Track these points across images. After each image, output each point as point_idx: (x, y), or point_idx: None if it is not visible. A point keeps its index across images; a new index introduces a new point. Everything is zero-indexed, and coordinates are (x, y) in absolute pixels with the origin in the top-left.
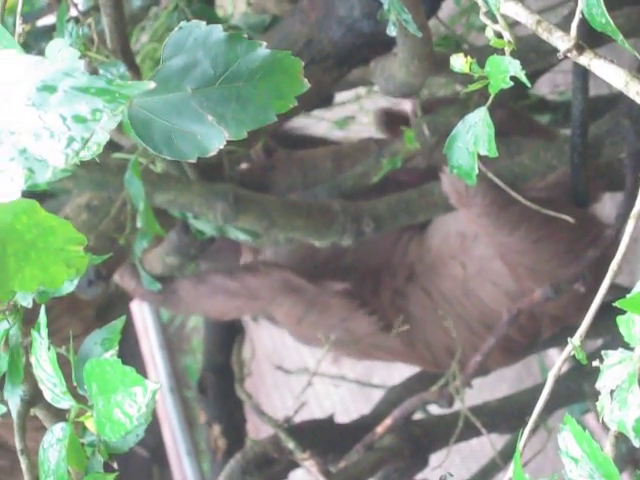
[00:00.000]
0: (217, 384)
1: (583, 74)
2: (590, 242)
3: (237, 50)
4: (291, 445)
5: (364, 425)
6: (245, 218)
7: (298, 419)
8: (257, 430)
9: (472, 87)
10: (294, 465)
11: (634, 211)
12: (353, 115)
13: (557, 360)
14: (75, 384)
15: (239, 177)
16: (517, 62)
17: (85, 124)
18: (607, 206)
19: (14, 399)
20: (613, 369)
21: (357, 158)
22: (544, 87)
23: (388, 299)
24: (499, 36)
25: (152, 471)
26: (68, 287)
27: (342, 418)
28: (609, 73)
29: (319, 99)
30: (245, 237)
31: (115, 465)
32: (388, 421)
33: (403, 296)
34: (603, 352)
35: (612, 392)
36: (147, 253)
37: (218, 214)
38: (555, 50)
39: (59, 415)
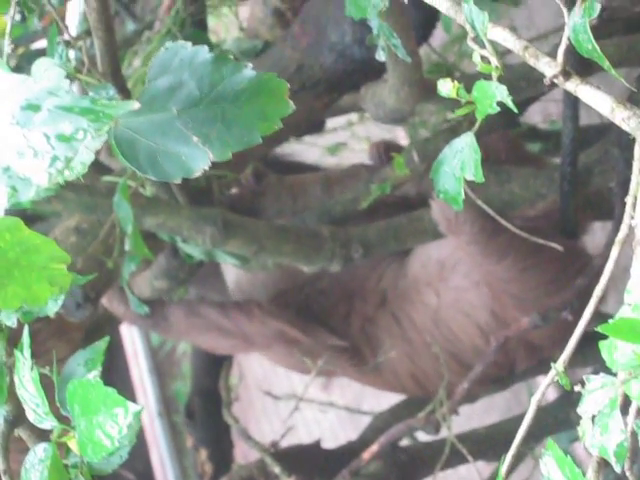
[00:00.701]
0: (204, 408)
1: (573, 103)
2: (577, 272)
3: (223, 71)
4: (277, 470)
5: (351, 451)
6: (234, 242)
7: (286, 445)
8: (244, 456)
9: (459, 112)
10: None
11: (618, 237)
12: (345, 142)
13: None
14: (58, 405)
15: (228, 202)
16: (504, 87)
17: (69, 143)
18: (598, 235)
19: None
20: (595, 394)
21: (347, 184)
22: (536, 116)
23: (358, 326)
24: (488, 62)
25: None
26: (53, 307)
27: (330, 445)
28: (595, 99)
29: (310, 125)
30: (234, 262)
31: None
32: (374, 447)
33: (373, 323)
34: (585, 377)
35: (594, 417)
36: (136, 277)
37: (207, 238)
38: (544, 78)
39: (42, 436)
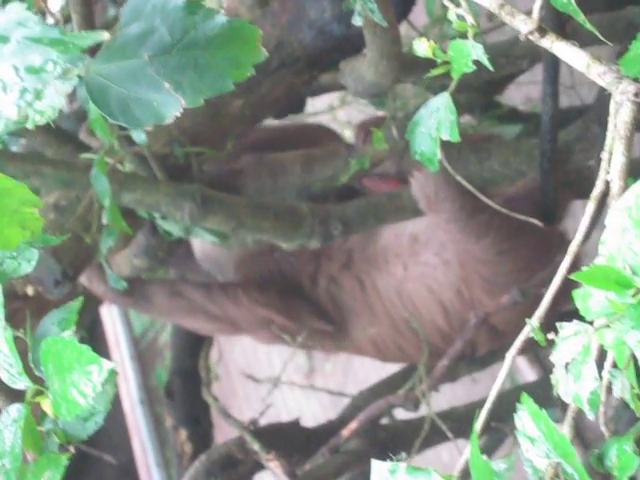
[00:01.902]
0: (184, 388)
1: (553, 80)
2: (552, 259)
3: (195, 17)
4: (256, 446)
5: (330, 429)
6: (212, 218)
7: (265, 424)
8: (225, 436)
9: (435, 71)
10: (259, 467)
11: (593, 193)
12: (327, 125)
13: (525, 367)
14: (32, 365)
15: (207, 180)
16: (480, 46)
17: (38, 75)
18: (578, 218)
19: None
20: (568, 341)
21: (327, 162)
22: (516, 97)
23: (324, 286)
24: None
25: None
26: (26, 268)
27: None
28: (571, 55)
29: (289, 102)
30: (212, 238)
31: (72, 449)
32: (354, 424)
33: (337, 283)
34: (558, 324)
35: (567, 365)
36: (115, 255)
37: (185, 214)
38: (524, 56)
39: (16, 399)
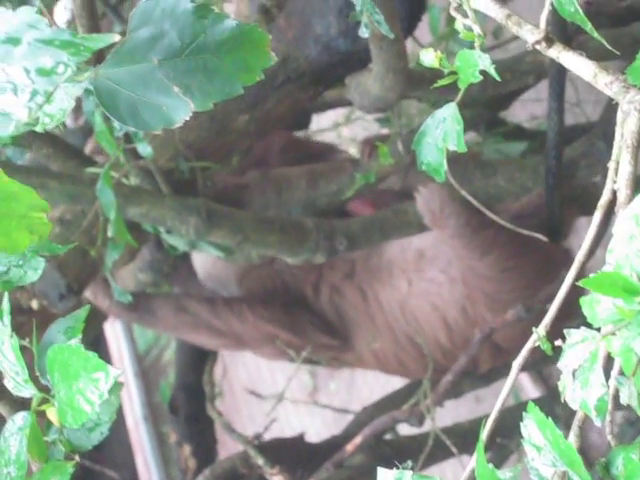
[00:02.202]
0: (188, 404)
1: (558, 96)
2: (557, 277)
3: (204, 22)
4: (260, 461)
5: (335, 444)
6: (218, 233)
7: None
8: (228, 453)
9: (442, 82)
10: None
11: (600, 202)
12: (331, 143)
13: (528, 385)
14: (38, 374)
15: (213, 195)
16: (487, 56)
17: (49, 77)
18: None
19: None
20: (575, 348)
21: (332, 177)
22: (521, 115)
23: (327, 296)
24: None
25: None
26: (32, 276)
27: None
28: (578, 65)
29: (295, 117)
30: (217, 253)
31: (77, 458)
32: (358, 439)
33: (340, 293)
34: (565, 331)
35: (574, 372)
36: (120, 270)
37: (191, 228)
38: (529, 71)
39: (22, 407)
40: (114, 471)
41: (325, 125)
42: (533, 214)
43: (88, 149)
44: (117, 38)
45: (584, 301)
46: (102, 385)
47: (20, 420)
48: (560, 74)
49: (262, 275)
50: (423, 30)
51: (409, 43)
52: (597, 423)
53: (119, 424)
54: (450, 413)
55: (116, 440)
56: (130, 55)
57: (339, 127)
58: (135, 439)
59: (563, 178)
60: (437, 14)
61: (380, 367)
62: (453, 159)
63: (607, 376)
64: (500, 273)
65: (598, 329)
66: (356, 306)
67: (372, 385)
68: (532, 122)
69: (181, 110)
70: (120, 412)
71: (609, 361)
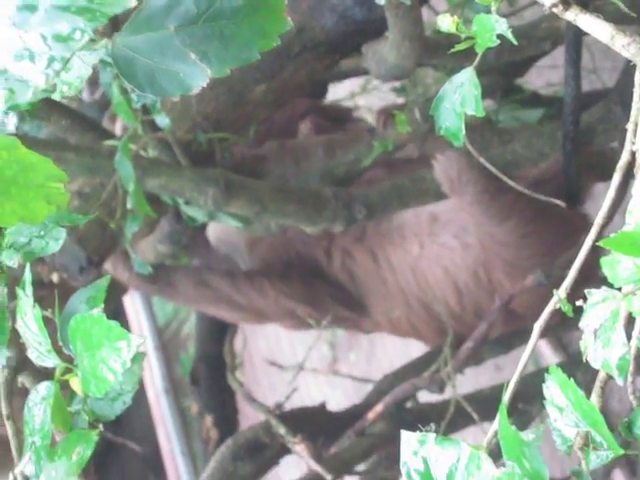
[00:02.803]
0: (209, 375)
1: (575, 61)
2: (575, 243)
3: None
4: (282, 430)
5: (356, 413)
6: (236, 203)
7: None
8: (249, 423)
9: (459, 47)
10: (285, 451)
11: (619, 164)
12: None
13: (548, 352)
14: (60, 344)
15: (230, 166)
16: (504, 20)
17: (66, 43)
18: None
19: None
20: (596, 308)
21: (349, 146)
22: (538, 82)
23: (339, 260)
24: None
25: (148, 477)
26: (54, 246)
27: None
28: (595, 28)
29: (312, 87)
30: (236, 223)
31: (101, 427)
32: (379, 407)
33: (351, 257)
34: (586, 291)
35: (595, 331)
36: (139, 242)
37: (209, 199)
38: (545, 37)
39: (46, 378)
40: (135, 444)
41: (341, 95)
42: (551, 180)
43: (105, 121)
44: (134, 3)
45: (604, 261)
46: (125, 354)
47: (44, 390)
48: (577, 40)
49: (274, 244)
50: None
51: (425, 11)
52: (619, 382)
53: (140, 397)
54: (470, 381)
55: (137, 413)
56: (147, 23)
57: (355, 97)
58: (156, 412)
59: (580, 144)
60: None
61: (393, 330)
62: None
63: (629, 336)
64: (519, 239)
65: (619, 289)
66: (367, 269)
67: (392, 355)
68: (548, 89)
69: (198, 76)
70: (141, 385)
71: (630, 322)
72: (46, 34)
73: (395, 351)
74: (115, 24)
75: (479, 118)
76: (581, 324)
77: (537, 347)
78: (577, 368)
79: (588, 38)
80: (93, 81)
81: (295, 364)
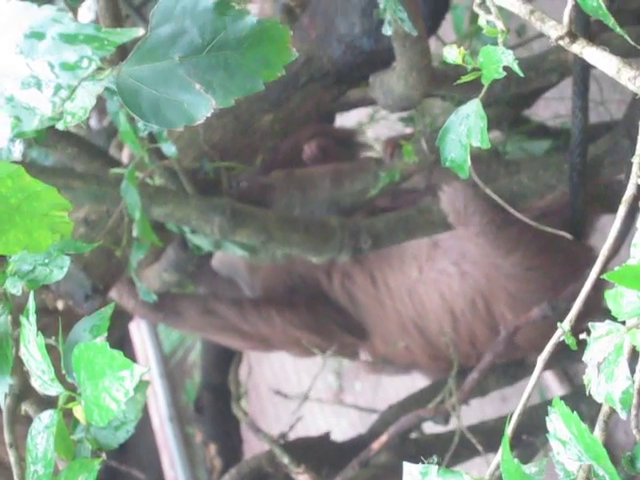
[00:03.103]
0: (214, 403)
1: (582, 93)
2: (580, 277)
3: (225, 18)
4: (286, 460)
5: (360, 443)
6: (242, 232)
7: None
8: (253, 452)
9: (465, 78)
10: None
11: (625, 196)
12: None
13: (554, 384)
14: (64, 372)
15: (237, 195)
16: (510, 52)
17: (73, 72)
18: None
19: (3, 388)
20: (600, 341)
21: (356, 176)
22: (545, 114)
23: (339, 281)
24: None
25: None
26: (58, 275)
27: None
28: (602, 60)
29: (319, 116)
30: (242, 252)
31: (104, 456)
32: (384, 437)
33: (350, 278)
34: (590, 324)
35: (599, 365)
36: (145, 270)
37: (215, 227)
38: (553, 69)
39: (48, 406)
40: (140, 471)
41: (349, 125)
42: (557, 212)
43: (112, 150)
44: (141, 32)
45: (609, 295)
46: (128, 383)
47: (47, 418)
48: (584, 72)
49: (276, 266)
50: (447, 29)
51: (433, 42)
52: (622, 416)
53: (145, 425)
54: (476, 412)
55: (142, 441)
56: (152, 53)
57: (363, 127)
58: (161, 440)
59: (587, 176)
60: (461, 13)
61: (390, 354)
62: (477, 157)
63: (632, 370)
64: (525, 271)
65: (623, 322)
66: (366, 291)
67: (398, 385)
68: (556, 121)
69: (203, 107)
70: (146, 413)
71: (634, 356)
72: (53, 62)
73: (401, 381)
74: (122, 53)
75: (486, 149)
76: (585, 357)
77: (543, 379)
78: (582, 400)
79: (596, 70)
80: (101, 109)
81: (301, 393)
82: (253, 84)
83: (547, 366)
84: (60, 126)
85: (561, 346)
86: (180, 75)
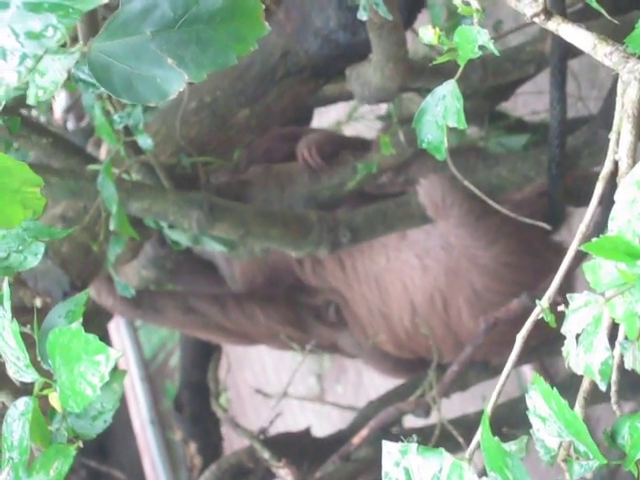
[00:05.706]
0: (193, 401)
1: (560, 84)
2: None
3: None
4: (266, 455)
5: (341, 438)
6: (220, 226)
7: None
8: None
9: (441, 59)
10: (270, 476)
11: (602, 173)
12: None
13: (528, 373)
14: (39, 359)
15: (215, 190)
16: (485, 31)
17: (38, 40)
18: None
19: None
20: (579, 313)
21: (334, 171)
22: (523, 110)
23: (310, 268)
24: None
25: None
26: (32, 261)
27: None
28: (578, 37)
29: (296, 112)
30: (220, 247)
31: (81, 444)
32: (364, 432)
33: (320, 264)
34: (568, 295)
35: (577, 336)
36: (123, 267)
37: (193, 222)
38: (530, 61)
39: (24, 394)
40: (122, 474)
41: (327, 124)
42: (535, 203)
43: (89, 147)
44: (105, 0)
45: (587, 266)
46: (103, 368)
47: (22, 405)
48: (561, 63)
49: (253, 260)
50: (423, 22)
51: (410, 37)
52: (602, 387)
53: (126, 428)
54: (457, 410)
55: (123, 444)
56: (123, 27)
57: (341, 125)
58: (142, 443)
59: (566, 167)
60: (438, 12)
61: (361, 336)
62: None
63: (612, 344)
64: (501, 267)
65: (602, 294)
66: (335, 276)
67: (379, 387)
68: (534, 117)
69: (175, 82)
70: (127, 416)
71: (613, 328)
72: (18, 31)
73: (382, 382)
74: (93, 28)
75: (466, 144)
76: (563, 329)
77: (523, 374)
78: (563, 396)
79: (574, 65)
80: (78, 108)
81: (279, 388)
82: (225, 58)
83: (527, 360)
84: (31, 100)
85: (541, 341)
86: (152, 50)
